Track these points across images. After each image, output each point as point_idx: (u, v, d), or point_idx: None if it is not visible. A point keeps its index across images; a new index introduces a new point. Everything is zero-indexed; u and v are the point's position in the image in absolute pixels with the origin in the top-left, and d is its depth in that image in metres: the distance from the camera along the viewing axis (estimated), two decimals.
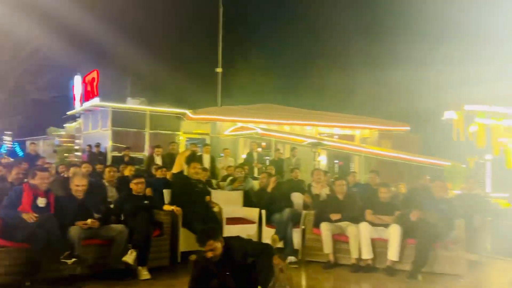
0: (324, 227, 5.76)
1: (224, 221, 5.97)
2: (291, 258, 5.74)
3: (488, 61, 17.33)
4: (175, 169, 5.84)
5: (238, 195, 7.24)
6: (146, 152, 12.92)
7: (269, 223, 6.29)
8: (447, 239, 5.41)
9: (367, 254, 5.52)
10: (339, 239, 5.76)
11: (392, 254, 5.41)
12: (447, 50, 20.84)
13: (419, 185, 8.16)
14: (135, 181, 5.54)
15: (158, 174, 7.50)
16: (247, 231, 6.11)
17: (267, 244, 4.23)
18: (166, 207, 5.55)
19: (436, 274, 5.31)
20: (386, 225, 5.62)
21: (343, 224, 5.85)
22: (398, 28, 24.23)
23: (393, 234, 5.44)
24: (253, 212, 6.51)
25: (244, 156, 12.60)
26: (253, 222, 6.43)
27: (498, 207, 8.48)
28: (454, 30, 20.92)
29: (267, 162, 11.97)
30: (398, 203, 6.23)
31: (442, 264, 5.39)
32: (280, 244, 5.91)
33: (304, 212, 6.29)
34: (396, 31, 24.04)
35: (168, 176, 6.92)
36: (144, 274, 4.86)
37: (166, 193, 6.21)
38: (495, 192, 11.52)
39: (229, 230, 5.79)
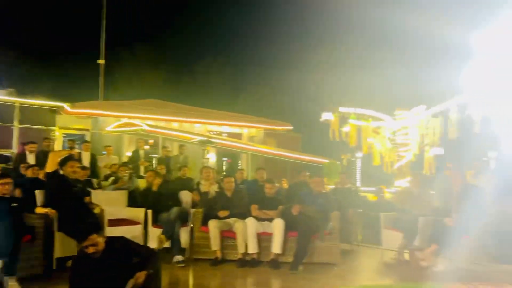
0: (212, 224, 5.80)
1: (106, 223, 5.64)
2: (178, 258, 5.67)
3: (363, 67, 19.24)
4: (48, 168, 5.32)
5: (122, 195, 6.89)
6: (14, 149, 11.57)
7: (156, 223, 6.12)
8: (324, 230, 5.85)
9: (252, 249, 5.70)
10: (227, 236, 5.86)
11: (276, 247, 5.67)
12: (328, 55, 22.59)
13: (300, 181, 8.70)
14: (0, 181, 4.92)
15: (29, 173, 6.79)
16: (131, 232, 5.84)
17: (154, 250, 4.09)
18: (39, 210, 5.04)
19: (314, 264, 5.71)
20: (270, 220, 5.87)
21: (231, 220, 5.95)
22: (284, 30, 25.55)
23: (277, 228, 5.71)
24: (138, 213, 6.26)
25: (129, 153, 12.05)
26: (138, 223, 6.18)
27: (366, 200, 9.47)
28: (336, 36, 22.75)
29: (154, 160, 11.63)
30: (281, 198, 6.57)
31: (320, 254, 5.82)
32: (167, 244, 5.80)
33: (192, 210, 6.25)
34: (282, 33, 25.32)
35: (41, 176, 6.30)
36: (13, 285, 4.34)
37: (39, 194, 5.63)
38: (364, 186, 12.85)
39: (112, 232, 5.47)
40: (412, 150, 11.81)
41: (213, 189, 6.90)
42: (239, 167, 14.00)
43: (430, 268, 5.49)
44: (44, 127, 12.38)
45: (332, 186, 8.97)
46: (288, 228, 5.73)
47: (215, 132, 14.94)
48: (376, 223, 6.67)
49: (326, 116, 12.54)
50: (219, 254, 5.77)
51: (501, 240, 5.29)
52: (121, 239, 3.80)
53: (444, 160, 10.60)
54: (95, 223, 3.68)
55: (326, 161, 14.13)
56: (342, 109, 12.48)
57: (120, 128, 12.81)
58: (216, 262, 5.70)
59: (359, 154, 14.24)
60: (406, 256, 6.09)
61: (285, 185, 9.20)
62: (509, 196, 5.47)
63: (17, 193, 5.43)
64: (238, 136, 15.69)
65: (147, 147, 12.01)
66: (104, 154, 10.75)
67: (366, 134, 12.36)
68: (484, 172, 7.30)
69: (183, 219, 6.05)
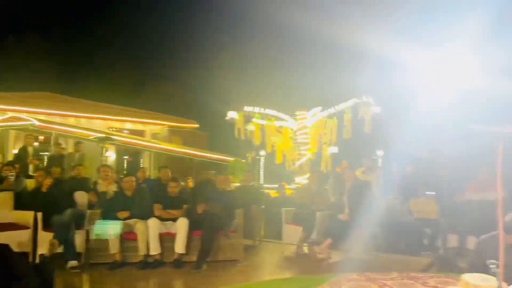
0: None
1: None
2: (73, 263, 5.28)
3: (267, 68, 19.80)
4: None
5: (7, 197, 6.22)
6: None
7: (47, 226, 5.62)
8: (229, 228, 5.90)
9: (155, 250, 5.53)
10: (127, 237, 5.60)
11: (179, 247, 5.57)
12: (235, 55, 22.84)
13: (205, 179, 8.68)
14: None
15: None
16: (19, 238, 5.33)
17: (32, 271, 3.71)
18: None
19: (218, 261, 5.72)
20: (174, 219, 5.75)
21: (131, 221, 5.71)
22: (191, 29, 25.24)
23: (180, 227, 5.61)
24: (26, 216, 5.70)
25: (15, 151, 10.92)
26: (26, 227, 5.63)
27: (269, 197, 9.79)
28: (242, 37, 23.11)
29: (46, 158, 10.70)
30: (186, 197, 6.47)
31: (223, 251, 5.85)
32: (60, 249, 5.36)
33: (88, 211, 5.87)
34: (189, 32, 25.01)
35: None
36: None
37: None
38: (267, 183, 13.28)
39: None
40: (311, 149, 12.51)
41: (112, 189, 6.56)
42: (141, 166, 13.53)
43: (326, 260, 5.85)
44: None
45: (237, 184, 9.10)
46: (193, 227, 5.67)
47: (115, 129, 14.23)
48: (278, 219, 6.91)
49: (231, 114, 12.71)
50: (118, 257, 5.49)
51: (387, 231, 5.85)
52: (4, 247, 3.41)
53: (340, 158, 11.39)
54: None
55: (232, 159, 14.30)
56: (247, 108, 12.75)
57: (5, 123, 11.57)
58: (115, 266, 5.42)
59: (262, 153, 14.66)
60: (305, 249, 6.41)
61: (191, 183, 9.10)
62: (394, 191, 6.06)
63: None
64: (140, 133, 15.15)
65: (36, 144, 11.01)
66: None
67: (270, 133, 12.79)
68: (373, 169, 7.99)
69: (78, 221, 5.65)
